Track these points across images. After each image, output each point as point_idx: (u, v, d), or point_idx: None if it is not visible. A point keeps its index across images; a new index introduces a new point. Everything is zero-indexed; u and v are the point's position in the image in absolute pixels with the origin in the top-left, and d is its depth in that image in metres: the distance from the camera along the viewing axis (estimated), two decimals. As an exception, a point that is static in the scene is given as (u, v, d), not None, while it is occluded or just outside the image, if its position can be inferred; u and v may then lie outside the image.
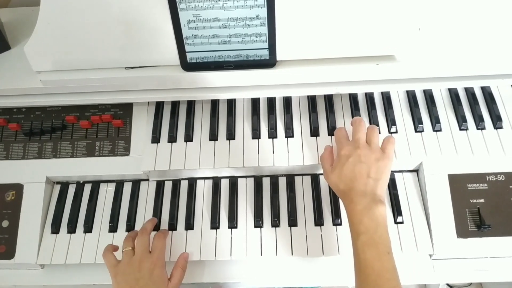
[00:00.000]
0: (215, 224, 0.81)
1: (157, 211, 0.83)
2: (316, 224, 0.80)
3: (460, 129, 0.83)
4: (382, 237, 0.65)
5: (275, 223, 0.80)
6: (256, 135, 0.84)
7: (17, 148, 0.88)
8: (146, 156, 0.84)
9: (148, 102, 0.90)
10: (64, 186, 0.87)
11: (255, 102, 0.88)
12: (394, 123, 0.84)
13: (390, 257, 0.65)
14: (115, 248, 0.77)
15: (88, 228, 0.83)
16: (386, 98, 0.87)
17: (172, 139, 0.85)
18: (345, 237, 0.79)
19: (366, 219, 0.66)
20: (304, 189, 0.84)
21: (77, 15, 0.73)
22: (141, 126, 0.88)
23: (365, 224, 0.66)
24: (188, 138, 0.85)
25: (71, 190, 0.87)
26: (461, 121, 0.83)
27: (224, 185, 0.85)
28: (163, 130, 0.86)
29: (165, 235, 0.79)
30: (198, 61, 0.77)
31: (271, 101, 0.88)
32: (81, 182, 0.88)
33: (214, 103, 0.89)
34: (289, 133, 0.84)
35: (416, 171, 0.84)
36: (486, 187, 0.79)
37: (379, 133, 0.82)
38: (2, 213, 0.83)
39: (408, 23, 0.73)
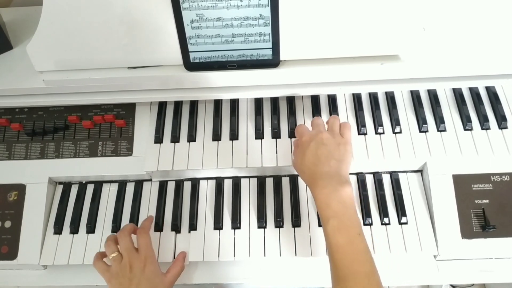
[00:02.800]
0: (218, 225, 0.81)
1: (160, 212, 0.83)
2: (320, 225, 0.80)
3: (465, 129, 0.82)
4: (352, 219, 0.65)
5: (279, 224, 0.80)
6: (259, 135, 0.84)
7: (20, 148, 0.88)
8: (149, 156, 0.83)
9: (151, 102, 0.89)
10: (67, 186, 0.87)
11: (258, 102, 0.88)
12: (398, 123, 0.83)
13: (361, 238, 0.64)
14: (104, 255, 0.77)
15: (90, 229, 0.83)
16: (390, 98, 0.86)
17: (175, 139, 0.85)
18: (349, 237, 0.78)
19: (334, 202, 0.65)
20: (308, 189, 0.83)
21: (79, 15, 0.73)
22: (144, 126, 0.88)
23: (333, 207, 0.65)
24: (191, 138, 0.85)
25: (74, 190, 0.87)
26: (466, 121, 0.82)
27: (227, 185, 0.85)
28: (166, 130, 0.86)
29: (146, 230, 0.77)
30: (201, 61, 0.77)
31: (274, 101, 0.87)
32: (84, 182, 0.88)
33: (217, 103, 0.88)
34: (293, 133, 0.84)
35: (420, 171, 0.84)
36: (491, 188, 0.79)
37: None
38: (4, 213, 0.83)
39: (412, 22, 0.73)
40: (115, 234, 0.77)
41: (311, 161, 0.70)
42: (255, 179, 0.85)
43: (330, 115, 0.86)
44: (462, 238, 0.76)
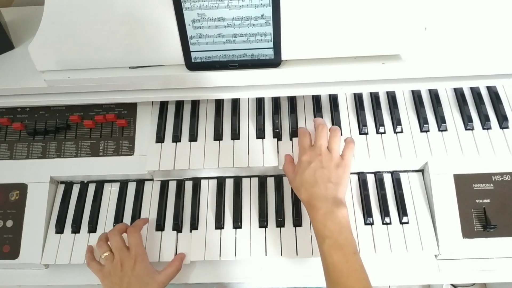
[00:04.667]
0: (219, 224, 0.81)
1: (162, 211, 0.83)
2: (321, 224, 0.80)
3: (466, 129, 0.82)
4: (347, 239, 0.66)
5: (280, 223, 0.80)
6: (260, 134, 0.84)
7: (21, 148, 0.88)
8: (150, 156, 0.83)
9: (152, 101, 0.90)
10: (68, 185, 0.87)
11: (259, 102, 0.88)
12: (399, 123, 0.83)
13: (357, 257, 0.65)
14: (92, 249, 0.79)
15: (92, 228, 0.83)
16: (392, 97, 0.86)
17: (176, 138, 0.85)
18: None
19: (330, 222, 0.67)
20: (309, 189, 0.83)
21: (81, 15, 0.73)
22: (145, 126, 0.88)
23: (329, 227, 0.67)
24: (193, 137, 0.85)
25: (75, 189, 0.87)
26: (467, 120, 0.82)
27: (229, 185, 0.85)
28: (167, 130, 0.86)
29: (137, 228, 0.77)
30: (202, 60, 0.77)
31: (276, 101, 0.88)
32: (85, 181, 0.88)
33: (219, 103, 0.88)
34: (294, 133, 0.84)
35: (421, 171, 0.84)
36: (492, 187, 0.79)
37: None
38: (6, 213, 0.83)
39: (413, 22, 0.73)
40: (107, 233, 0.77)
41: (309, 182, 0.71)
42: (256, 179, 0.85)
43: (332, 114, 0.86)
44: (463, 237, 0.76)
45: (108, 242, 0.76)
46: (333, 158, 0.74)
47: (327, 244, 0.66)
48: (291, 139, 0.84)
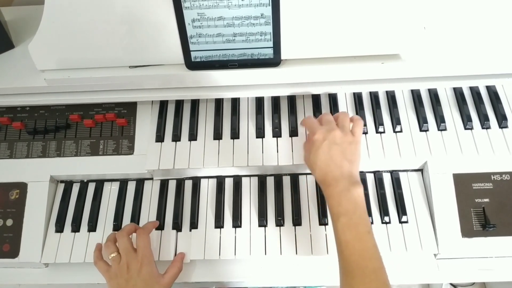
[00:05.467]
0: (219, 223, 0.81)
1: (161, 210, 0.83)
2: (320, 223, 0.80)
3: (465, 129, 0.82)
4: (362, 218, 0.66)
5: (279, 222, 0.80)
6: (260, 134, 0.84)
7: (21, 147, 0.88)
8: (150, 155, 0.84)
9: (152, 101, 0.90)
10: (68, 185, 0.87)
11: (259, 101, 0.88)
12: (399, 122, 0.83)
13: (370, 236, 0.65)
14: (100, 247, 0.78)
15: (92, 227, 0.83)
16: (391, 97, 0.86)
17: (176, 138, 0.85)
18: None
19: (345, 201, 0.66)
20: (309, 188, 0.83)
21: (81, 14, 0.73)
22: (145, 125, 0.88)
23: (344, 206, 0.66)
24: (192, 137, 0.85)
25: (75, 189, 0.87)
26: (466, 120, 0.82)
27: (228, 184, 0.85)
28: (167, 129, 0.86)
29: (146, 231, 0.77)
30: (202, 60, 0.77)
31: (275, 100, 0.88)
32: (85, 181, 0.88)
33: (218, 102, 0.88)
34: (293, 132, 0.84)
35: (421, 170, 0.84)
36: (491, 187, 0.79)
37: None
38: (6, 212, 0.83)
39: (413, 22, 0.73)
40: (116, 233, 0.77)
41: (324, 161, 0.70)
42: (256, 178, 0.85)
43: (332, 114, 0.86)
44: (462, 237, 0.76)
45: (116, 243, 0.75)
46: (345, 134, 0.72)
47: (341, 223, 0.65)
48: (290, 138, 0.84)
